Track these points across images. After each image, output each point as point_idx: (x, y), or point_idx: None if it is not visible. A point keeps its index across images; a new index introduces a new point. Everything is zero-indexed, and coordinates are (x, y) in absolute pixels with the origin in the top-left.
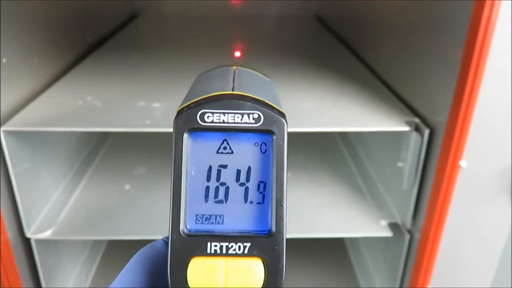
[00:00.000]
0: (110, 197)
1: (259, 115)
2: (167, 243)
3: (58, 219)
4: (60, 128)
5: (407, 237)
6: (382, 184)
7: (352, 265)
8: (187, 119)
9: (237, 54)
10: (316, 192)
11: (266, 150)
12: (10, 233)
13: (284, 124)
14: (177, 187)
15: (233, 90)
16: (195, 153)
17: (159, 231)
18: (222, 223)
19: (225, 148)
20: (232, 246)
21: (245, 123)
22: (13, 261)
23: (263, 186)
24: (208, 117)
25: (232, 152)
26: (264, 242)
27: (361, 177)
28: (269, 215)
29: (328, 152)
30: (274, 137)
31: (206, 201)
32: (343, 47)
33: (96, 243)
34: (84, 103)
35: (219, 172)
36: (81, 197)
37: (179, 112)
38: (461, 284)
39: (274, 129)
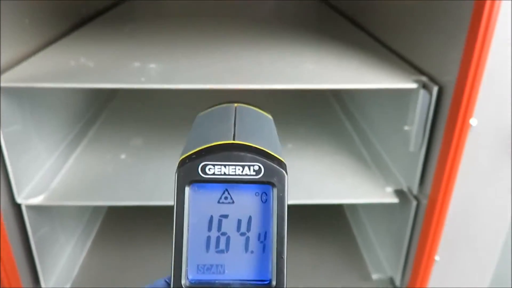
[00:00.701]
0: (105, 166)
1: (259, 167)
2: (168, 283)
3: (50, 185)
4: (50, 84)
5: (414, 203)
6: (386, 152)
7: (355, 239)
8: (189, 171)
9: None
10: (318, 161)
11: (266, 200)
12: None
13: (284, 176)
14: (179, 237)
15: (234, 138)
16: (197, 203)
17: (156, 197)
18: (223, 272)
19: (226, 198)
20: None
21: (246, 175)
22: (3, 229)
23: (263, 236)
24: (209, 169)
25: (233, 202)
26: None
27: (364, 147)
28: (270, 265)
29: (330, 124)
30: (275, 188)
31: (208, 251)
32: (345, 20)
33: (92, 216)
34: (77, 63)
35: (220, 222)
36: (75, 165)
37: (181, 163)
38: (470, 254)
39: (274, 180)
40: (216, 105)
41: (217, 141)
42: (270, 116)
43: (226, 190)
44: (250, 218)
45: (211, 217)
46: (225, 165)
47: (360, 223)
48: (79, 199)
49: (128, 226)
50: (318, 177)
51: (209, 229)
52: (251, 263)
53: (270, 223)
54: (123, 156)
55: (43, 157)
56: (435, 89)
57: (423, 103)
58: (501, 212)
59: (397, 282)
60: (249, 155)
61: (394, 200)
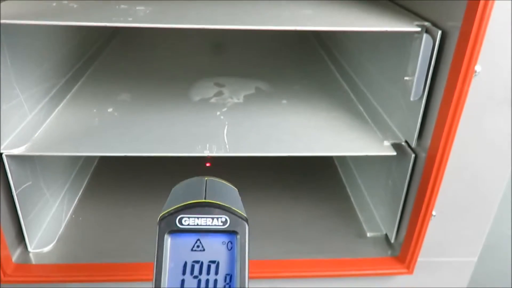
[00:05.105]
0: (91, 118)
1: (226, 218)
2: None
3: (33, 137)
4: (27, 21)
5: (412, 156)
6: (383, 108)
7: (350, 199)
8: (169, 223)
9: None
10: (314, 116)
11: (232, 247)
12: None
13: (245, 226)
14: (158, 279)
15: (205, 198)
16: (174, 250)
17: (144, 148)
18: None
19: (198, 246)
20: None
21: (215, 225)
22: None
23: (229, 278)
24: (185, 220)
25: (203, 250)
26: None
27: (361, 103)
28: None
29: (325, 82)
30: (238, 236)
31: None
32: None
33: (78, 174)
34: (59, 4)
35: (193, 266)
36: (59, 117)
37: (162, 217)
38: (467, 209)
39: (238, 229)
40: (189, 179)
41: (192, 200)
42: (235, 188)
43: (199, 239)
44: (218, 263)
45: (185, 262)
46: (198, 217)
47: (355, 183)
48: (63, 150)
49: (115, 185)
50: (314, 131)
51: (183, 272)
52: None
53: (234, 267)
54: (110, 110)
55: (25, 108)
56: (438, 33)
57: (425, 48)
58: (500, 165)
59: (392, 239)
60: (217, 209)
61: (392, 152)
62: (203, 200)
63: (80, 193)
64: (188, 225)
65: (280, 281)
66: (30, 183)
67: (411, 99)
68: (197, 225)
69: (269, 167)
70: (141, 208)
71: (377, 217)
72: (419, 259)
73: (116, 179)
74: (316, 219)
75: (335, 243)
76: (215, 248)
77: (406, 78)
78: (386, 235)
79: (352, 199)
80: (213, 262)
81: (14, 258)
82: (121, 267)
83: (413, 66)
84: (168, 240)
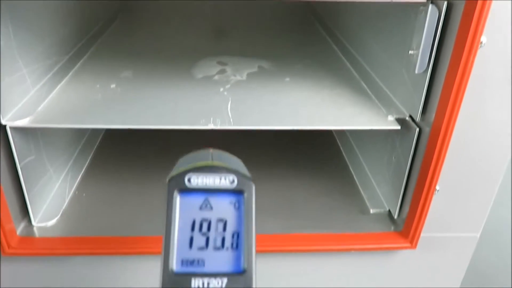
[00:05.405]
0: (94, 93)
1: (233, 178)
2: None
3: (37, 110)
4: None
5: (416, 130)
6: (387, 84)
7: (353, 177)
8: (178, 182)
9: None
10: (317, 93)
11: (239, 207)
12: None
13: (252, 185)
14: (168, 235)
15: (212, 161)
16: (183, 208)
17: (149, 121)
18: (204, 266)
19: (206, 205)
20: (212, 282)
21: (223, 185)
22: None
23: (236, 235)
24: (194, 180)
25: (211, 209)
26: (238, 279)
27: (364, 80)
28: (242, 258)
29: (327, 61)
30: (245, 194)
31: (191, 248)
32: None
33: (82, 149)
34: None
35: (201, 224)
36: (63, 92)
37: (171, 178)
38: (471, 184)
39: (245, 189)
40: (194, 151)
41: (200, 163)
42: (239, 159)
43: (207, 199)
44: (225, 221)
45: (194, 220)
46: (206, 177)
47: (357, 161)
48: (66, 122)
49: (118, 164)
50: (318, 107)
51: (192, 229)
52: (227, 258)
53: (241, 226)
54: (113, 86)
55: (28, 83)
56: (444, 4)
57: (431, 20)
58: (504, 140)
59: (396, 215)
60: (225, 168)
61: (396, 126)
62: (211, 162)
63: (83, 171)
64: (197, 184)
65: (284, 255)
66: (33, 157)
67: (416, 72)
68: (206, 184)
69: (272, 146)
70: (145, 185)
71: (380, 194)
72: (422, 234)
73: (118, 158)
74: (319, 197)
75: (338, 219)
76: (223, 207)
77: (410, 52)
78: (389, 211)
79: (354, 177)
80: (221, 220)
81: (18, 231)
82: (125, 241)
83: (418, 40)
84: (177, 198)
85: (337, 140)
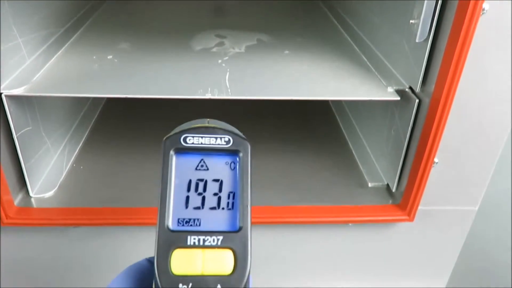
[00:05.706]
0: (90, 64)
1: (229, 138)
2: (149, 261)
3: (33, 79)
4: None
5: (416, 101)
6: (387, 56)
7: (352, 151)
8: (174, 141)
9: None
10: (317, 66)
11: (234, 167)
12: None
13: (248, 145)
14: (164, 194)
15: (208, 123)
16: (179, 168)
17: (145, 90)
18: (200, 225)
19: (202, 165)
20: (207, 239)
21: (218, 144)
22: None
23: (232, 196)
24: (189, 139)
25: (207, 169)
26: (234, 236)
27: (364, 53)
28: (238, 217)
29: (327, 35)
30: (241, 154)
31: (187, 208)
32: None
33: (80, 122)
34: None
35: (197, 184)
36: (59, 62)
37: (167, 137)
38: (470, 157)
39: (240, 149)
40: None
41: (195, 125)
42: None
43: (202, 159)
44: (221, 181)
45: (190, 180)
46: (202, 137)
47: (356, 137)
48: (62, 91)
49: (116, 138)
50: (317, 78)
51: (188, 190)
52: (222, 217)
53: (237, 186)
54: (109, 57)
55: (24, 52)
56: None
57: None
58: (504, 112)
59: (394, 189)
60: (221, 129)
61: (396, 97)
62: (207, 124)
63: (81, 144)
64: (193, 143)
65: (283, 226)
66: (30, 128)
67: (417, 40)
68: (201, 144)
69: (271, 122)
70: (143, 158)
71: (379, 168)
72: (420, 207)
73: (116, 131)
74: (318, 171)
75: (337, 192)
76: (219, 167)
77: (411, 21)
78: (387, 185)
79: (353, 152)
80: (217, 180)
81: (16, 202)
82: (123, 211)
83: (419, 9)
84: (173, 158)
85: (336, 116)
